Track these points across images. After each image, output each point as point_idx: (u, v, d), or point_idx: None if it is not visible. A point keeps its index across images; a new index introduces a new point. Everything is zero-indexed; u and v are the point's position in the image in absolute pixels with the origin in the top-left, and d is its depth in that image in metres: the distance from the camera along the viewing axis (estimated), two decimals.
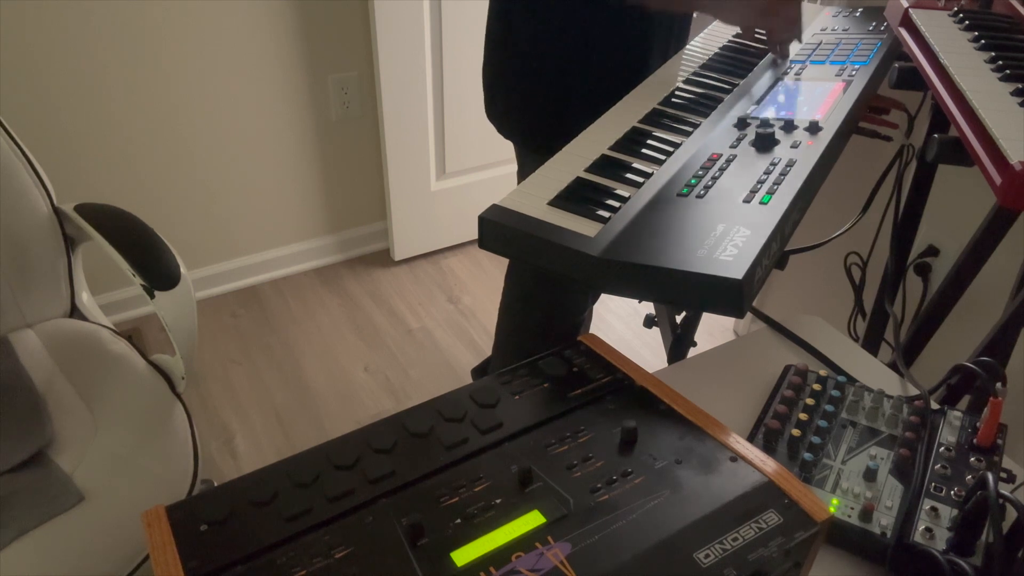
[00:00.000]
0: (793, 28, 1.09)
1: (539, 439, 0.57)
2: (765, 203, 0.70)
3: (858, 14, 1.24)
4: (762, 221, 0.67)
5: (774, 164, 0.77)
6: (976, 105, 0.73)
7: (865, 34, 1.14)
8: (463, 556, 0.47)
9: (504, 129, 1.28)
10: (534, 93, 1.19)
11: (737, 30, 1.20)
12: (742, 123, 0.88)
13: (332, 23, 2.02)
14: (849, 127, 0.92)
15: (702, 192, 0.73)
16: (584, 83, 1.15)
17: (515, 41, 1.18)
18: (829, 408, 0.75)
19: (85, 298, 1.34)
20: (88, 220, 1.19)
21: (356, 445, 0.56)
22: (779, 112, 0.90)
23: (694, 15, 1.30)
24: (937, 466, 0.68)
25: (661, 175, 0.79)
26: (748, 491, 0.51)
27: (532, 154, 1.23)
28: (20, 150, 1.21)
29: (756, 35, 1.14)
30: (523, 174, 1.34)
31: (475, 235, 1.74)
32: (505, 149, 1.31)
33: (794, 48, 1.12)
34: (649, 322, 1.49)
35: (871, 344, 1.33)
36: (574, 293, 1.33)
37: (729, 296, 0.60)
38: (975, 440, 0.70)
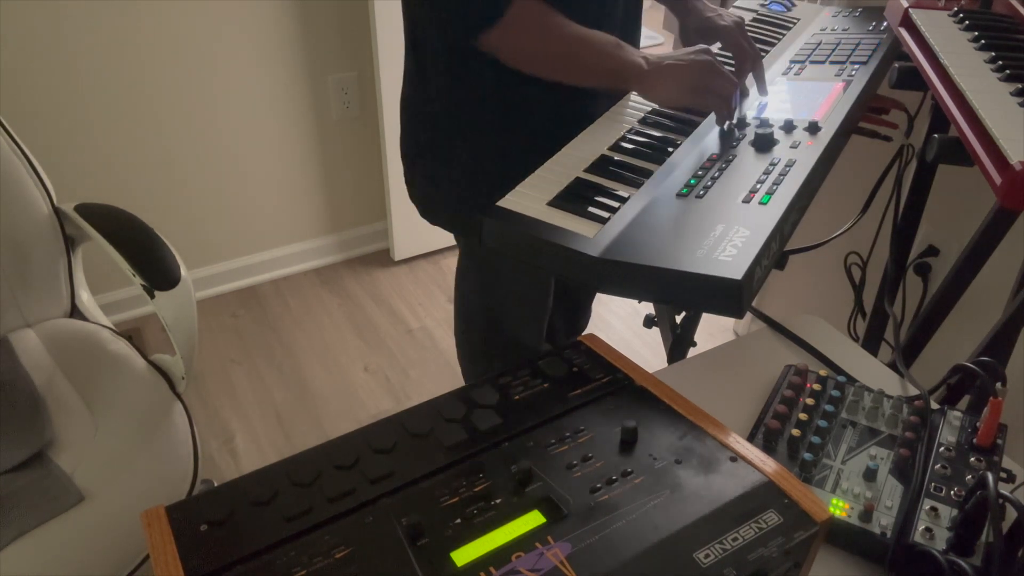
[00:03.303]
0: (727, 105, 0.87)
1: (539, 439, 0.57)
2: (764, 203, 0.70)
3: (858, 14, 1.24)
4: (761, 221, 0.67)
5: (773, 164, 0.77)
6: (976, 105, 0.73)
7: (865, 34, 1.14)
8: (463, 556, 0.47)
9: (430, 214, 1.11)
10: (463, 169, 1.02)
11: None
12: (741, 123, 0.88)
13: (332, 23, 2.02)
14: (849, 127, 0.92)
15: (701, 192, 0.73)
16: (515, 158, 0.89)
17: (432, 107, 1.01)
18: (829, 408, 0.75)
19: (85, 298, 1.34)
20: (88, 220, 1.19)
21: (356, 445, 0.56)
22: (778, 112, 0.90)
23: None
24: (937, 466, 0.68)
25: (660, 175, 0.79)
26: (748, 491, 0.51)
27: (469, 239, 1.11)
28: (20, 150, 1.21)
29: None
30: (466, 266, 1.20)
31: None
32: None
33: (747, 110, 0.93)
34: (649, 322, 1.48)
35: (871, 344, 1.33)
36: (529, 327, 1.24)
37: (728, 296, 0.60)
38: (975, 440, 0.70)
